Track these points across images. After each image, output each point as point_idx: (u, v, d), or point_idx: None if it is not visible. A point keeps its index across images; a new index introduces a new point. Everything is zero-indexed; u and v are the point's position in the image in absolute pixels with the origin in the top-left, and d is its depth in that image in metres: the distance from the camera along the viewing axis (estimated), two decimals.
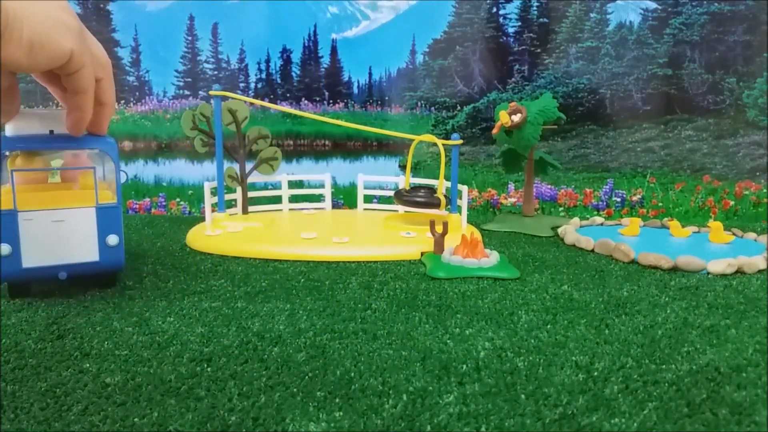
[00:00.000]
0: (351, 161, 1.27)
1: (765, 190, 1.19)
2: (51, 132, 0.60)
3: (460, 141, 0.87)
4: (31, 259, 0.58)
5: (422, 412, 0.39)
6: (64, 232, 0.60)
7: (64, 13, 0.52)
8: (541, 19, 1.21)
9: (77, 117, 0.56)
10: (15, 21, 0.46)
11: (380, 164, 1.27)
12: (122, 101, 1.25)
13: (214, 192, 0.89)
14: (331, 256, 0.76)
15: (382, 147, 1.26)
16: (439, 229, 0.77)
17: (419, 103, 1.25)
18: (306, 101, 1.27)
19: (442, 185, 0.86)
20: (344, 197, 1.23)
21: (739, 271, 0.72)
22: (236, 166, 0.92)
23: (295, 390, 0.42)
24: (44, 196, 0.60)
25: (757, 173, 1.20)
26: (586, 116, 1.22)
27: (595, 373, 0.45)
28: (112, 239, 0.62)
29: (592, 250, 0.82)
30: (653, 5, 1.19)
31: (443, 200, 0.85)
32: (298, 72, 1.25)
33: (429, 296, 0.63)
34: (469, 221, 0.94)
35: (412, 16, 1.24)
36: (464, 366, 0.46)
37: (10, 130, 0.60)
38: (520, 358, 0.47)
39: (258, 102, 0.99)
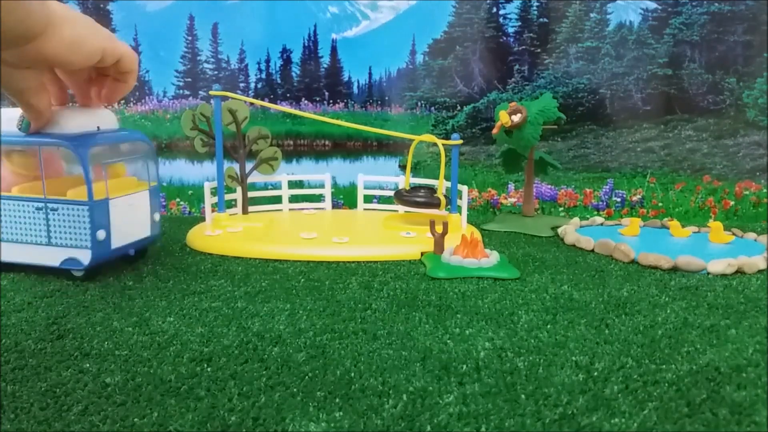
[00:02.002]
0: (351, 161, 1.27)
1: (765, 190, 1.19)
2: (98, 128, 0.66)
3: (460, 141, 0.87)
4: (116, 241, 0.67)
5: (422, 412, 0.39)
6: (134, 213, 0.69)
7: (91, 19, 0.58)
8: (541, 19, 1.21)
9: (123, 89, 0.64)
10: (59, 20, 0.51)
11: (380, 164, 1.27)
12: (122, 101, 1.25)
13: (214, 192, 0.89)
14: (331, 256, 0.76)
15: (382, 147, 1.26)
16: (439, 229, 0.77)
17: (419, 103, 1.25)
18: (306, 101, 1.27)
19: (442, 185, 0.86)
20: (344, 197, 1.23)
21: (739, 271, 0.72)
22: (236, 166, 0.92)
23: (295, 390, 0.42)
24: (115, 184, 0.67)
25: (757, 173, 1.20)
26: (586, 116, 1.22)
27: (595, 373, 0.45)
28: (157, 215, 0.73)
29: (592, 250, 0.82)
30: (653, 5, 1.19)
31: (443, 200, 0.85)
32: (298, 72, 1.25)
33: (429, 296, 0.63)
34: (469, 221, 0.94)
35: (412, 16, 1.24)
36: (464, 366, 0.46)
37: (75, 126, 0.64)
38: (520, 358, 0.47)
39: (258, 102, 0.99)
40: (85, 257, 0.65)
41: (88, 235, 0.64)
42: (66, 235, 0.65)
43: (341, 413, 0.39)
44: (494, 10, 1.22)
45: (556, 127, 0.96)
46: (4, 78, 0.52)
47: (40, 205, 0.65)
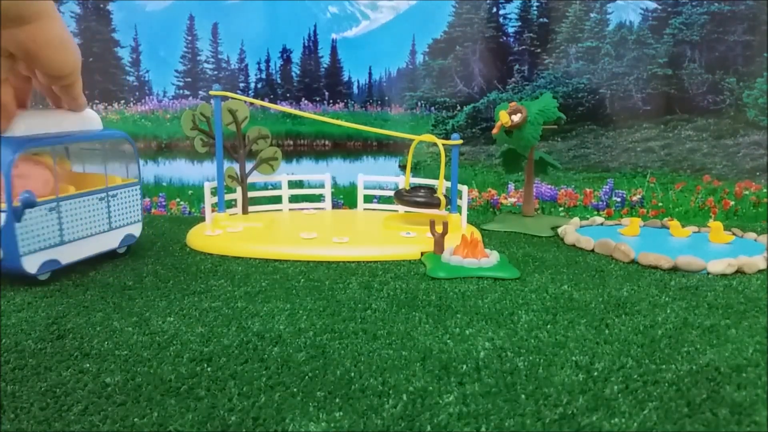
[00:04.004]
0: (351, 161, 1.27)
1: (765, 190, 1.19)
2: None
3: (460, 141, 0.87)
4: None
5: (422, 412, 0.39)
6: None
7: None
8: (541, 19, 1.21)
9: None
10: (52, 14, 0.50)
11: (380, 164, 1.26)
12: (122, 101, 1.25)
13: (214, 192, 0.89)
14: (331, 256, 0.76)
15: (382, 147, 1.26)
16: (439, 229, 0.77)
17: (419, 103, 1.25)
18: (306, 101, 1.27)
19: (442, 185, 0.86)
20: (344, 197, 1.23)
21: (739, 271, 0.72)
22: (236, 166, 0.92)
23: (295, 390, 0.42)
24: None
25: (757, 173, 1.20)
26: (586, 116, 1.22)
27: (595, 373, 0.45)
28: None
29: (592, 250, 0.82)
30: (653, 5, 1.19)
31: (443, 200, 0.85)
32: (298, 72, 1.25)
33: (429, 296, 0.63)
34: (469, 221, 0.94)
35: (412, 16, 1.24)
36: (464, 366, 0.46)
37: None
38: (520, 358, 0.47)
39: (258, 102, 0.99)
40: (138, 230, 0.78)
41: (140, 211, 0.78)
42: (125, 216, 0.75)
43: (341, 413, 0.39)
44: (494, 10, 1.22)
45: (556, 127, 0.96)
46: None
47: (103, 195, 0.71)
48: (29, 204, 0.61)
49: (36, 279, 0.64)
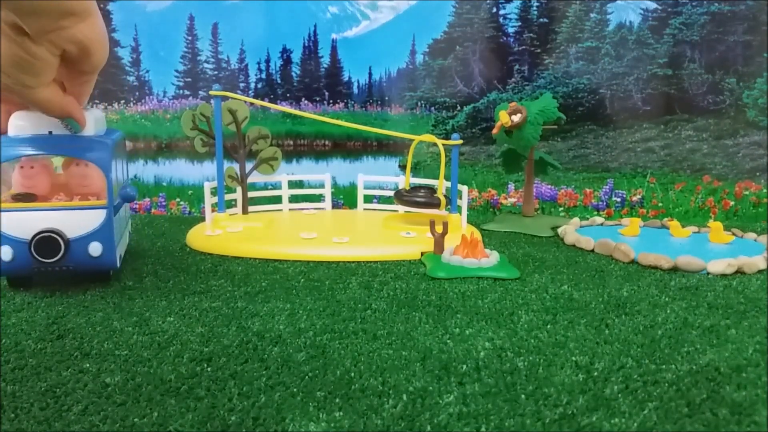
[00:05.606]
0: (351, 161, 1.27)
1: (765, 190, 1.19)
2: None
3: (460, 141, 0.87)
4: None
5: (422, 412, 0.39)
6: None
7: None
8: (541, 19, 1.21)
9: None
10: (96, 11, 0.49)
11: (380, 164, 1.26)
12: (122, 101, 1.25)
13: (214, 192, 0.89)
14: (331, 256, 0.76)
15: (382, 147, 1.26)
16: (439, 229, 0.77)
17: (419, 103, 1.25)
18: (306, 101, 1.27)
19: (442, 185, 0.86)
20: (344, 197, 1.23)
21: (739, 271, 0.72)
22: (236, 166, 0.92)
23: (295, 390, 0.42)
24: None
25: (757, 173, 1.20)
26: (586, 116, 1.22)
27: (595, 373, 0.45)
28: None
29: (592, 250, 0.82)
30: (653, 5, 1.19)
31: (443, 200, 0.85)
32: (298, 72, 1.25)
33: (429, 296, 0.63)
34: (469, 221, 0.94)
35: (412, 16, 1.24)
36: (464, 366, 0.46)
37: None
38: (520, 358, 0.47)
39: (258, 102, 0.99)
40: (129, 227, 0.78)
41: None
42: (126, 212, 0.76)
43: (341, 413, 0.39)
44: (494, 10, 1.22)
45: (556, 127, 0.96)
46: (34, 60, 0.49)
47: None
48: (129, 198, 0.60)
49: (109, 275, 0.65)
